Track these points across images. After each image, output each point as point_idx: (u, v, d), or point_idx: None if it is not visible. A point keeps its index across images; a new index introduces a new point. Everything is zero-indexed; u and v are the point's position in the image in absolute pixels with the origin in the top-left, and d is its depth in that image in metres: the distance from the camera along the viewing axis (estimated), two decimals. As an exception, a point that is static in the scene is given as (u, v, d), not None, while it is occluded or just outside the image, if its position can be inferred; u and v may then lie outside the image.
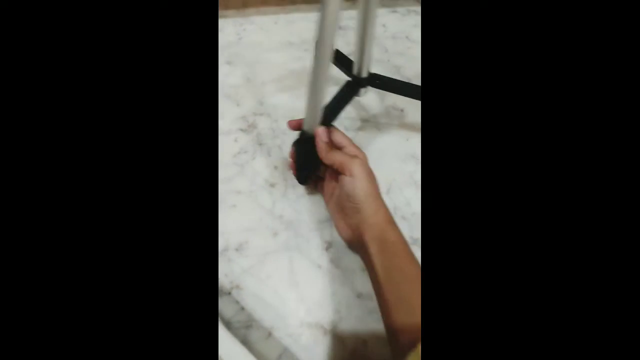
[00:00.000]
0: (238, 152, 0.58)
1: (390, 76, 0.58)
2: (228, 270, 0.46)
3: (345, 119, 0.63)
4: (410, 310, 0.32)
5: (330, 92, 0.62)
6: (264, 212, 0.51)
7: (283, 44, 0.79)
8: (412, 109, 0.64)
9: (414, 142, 0.59)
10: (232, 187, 0.54)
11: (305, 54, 0.76)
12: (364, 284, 0.44)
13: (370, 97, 0.68)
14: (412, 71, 0.71)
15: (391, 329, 0.33)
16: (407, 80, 0.68)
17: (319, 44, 0.35)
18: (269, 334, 0.41)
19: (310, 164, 0.44)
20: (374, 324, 0.42)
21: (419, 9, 0.82)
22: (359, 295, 0.44)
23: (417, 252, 0.37)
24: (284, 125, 0.63)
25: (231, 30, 0.83)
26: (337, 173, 0.42)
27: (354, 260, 0.46)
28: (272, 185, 0.54)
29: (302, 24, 0.85)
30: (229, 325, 0.42)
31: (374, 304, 0.43)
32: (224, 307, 0.43)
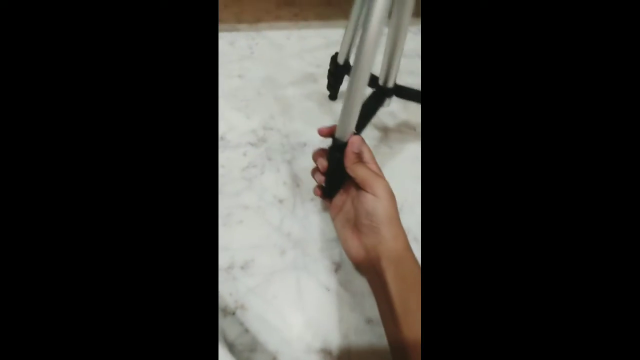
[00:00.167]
0: (247, 166, 0.57)
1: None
2: (233, 289, 0.44)
3: (357, 136, 0.62)
4: None
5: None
6: (272, 229, 0.50)
7: (295, 59, 0.79)
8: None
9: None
10: (239, 202, 0.53)
11: (317, 70, 0.76)
12: (374, 309, 0.42)
13: (382, 115, 0.67)
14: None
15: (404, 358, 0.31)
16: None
17: (360, 53, 0.35)
18: (274, 359, 0.39)
19: (343, 174, 0.41)
20: (385, 352, 0.40)
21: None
22: (369, 321, 0.42)
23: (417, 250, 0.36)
24: (294, 140, 0.62)
25: (243, 44, 0.83)
26: (355, 187, 0.40)
27: (364, 284, 0.44)
28: (281, 201, 0.53)
29: (314, 40, 0.85)
30: (232, 348, 0.40)
31: (384, 331, 0.41)
32: (228, 327, 0.41)
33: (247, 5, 0.96)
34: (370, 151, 0.41)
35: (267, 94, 0.71)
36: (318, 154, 0.44)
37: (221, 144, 0.61)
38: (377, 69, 0.54)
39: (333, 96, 0.68)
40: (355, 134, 0.41)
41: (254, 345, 0.40)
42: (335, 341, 0.40)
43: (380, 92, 0.56)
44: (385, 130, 0.64)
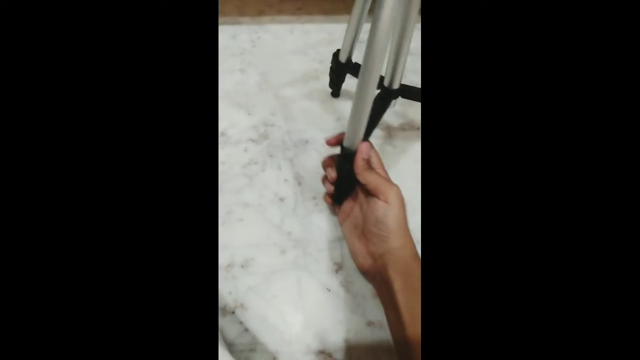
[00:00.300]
0: (247, 163, 0.57)
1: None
2: (232, 288, 0.44)
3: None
4: None
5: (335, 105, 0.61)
6: (272, 227, 0.49)
7: (298, 54, 0.78)
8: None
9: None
10: (239, 200, 0.52)
11: (320, 65, 0.75)
12: (375, 312, 0.42)
13: (387, 115, 0.67)
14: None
15: None
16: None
17: (368, 58, 0.34)
18: (274, 359, 0.39)
19: (352, 182, 0.41)
20: (385, 355, 0.39)
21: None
22: (370, 324, 0.41)
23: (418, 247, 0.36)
24: (296, 137, 0.61)
25: (245, 38, 0.82)
26: (364, 193, 0.40)
27: (365, 286, 0.44)
28: (282, 199, 0.52)
29: (317, 35, 0.84)
30: (231, 347, 0.40)
31: (384, 333, 0.41)
32: (227, 327, 0.41)
33: (250, -3, 0.95)
34: (377, 155, 0.41)
35: (268, 89, 0.70)
36: (327, 163, 0.43)
37: (222, 140, 0.60)
38: (382, 69, 0.53)
39: (335, 93, 0.68)
40: (363, 140, 0.41)
41: (254, 345, 0.40)
42: (335, 343, 0.40)
43: (386, 93, 0.55)
44: (388, 129, 0.63)
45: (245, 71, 0.73)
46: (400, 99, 0.58)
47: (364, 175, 0.39)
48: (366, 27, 0.83)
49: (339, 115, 0.65)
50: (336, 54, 0.61)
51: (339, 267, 0.46)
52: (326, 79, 0.68)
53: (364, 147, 0.39)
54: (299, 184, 0.54)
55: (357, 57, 0.75)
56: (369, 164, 0.40)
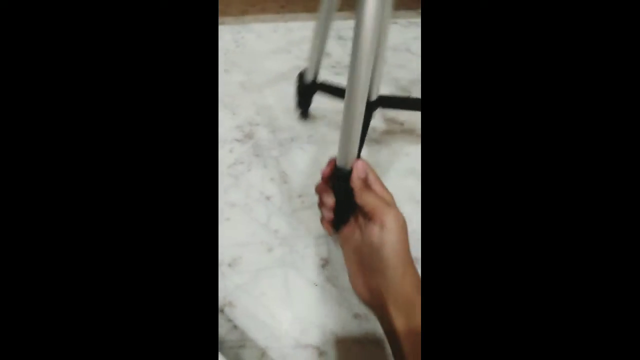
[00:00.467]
0: (233, 163, 0.57)
1: (390, 87, 0.57)
2: (221, 286, 0.44)
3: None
4: None
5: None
6: (259, 226, 0.50)
7: (282, 53, 0.78)
8: (413, 120, 0.64)
9: (414, 157, 0.58)
10: (226, 199, 0.52)
11: (304, 63, 0.76)
12: (361, 305, 0.43)
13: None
14: (411, 83, 0.70)
15: None
16: (406, 92, 0.68)
17: (354, 68, 0.31)
18: (263, 354, 0.40)
19: (352, 203, 0.36)
20: (371, 346, 0.40)
21: (420, 20, 0.82)
22: (356, 316, 0.42)
23: (418, 269, 0.36)
24: (281, 136, 0.61)
25: (229, 38, 0.82)
26: (364, 217, 0.35)
27: (351, 279, 0.45)
28: (268, 198, 0.53)
29: (301, 33, 0.84)
30: (221, 345, 0.41)
31: (371, 325, 0.42)
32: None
33: (233, -3, 0.95)
34: (374, 172, 0.37)
35: (253, 89, 0.70)
36: (321, 188, 0.39)
37: (207, 140, 0.60)
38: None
39: (304, 114, 0.64)
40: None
41: (243, 342, 0.41)
42: (323, 336, 0.41)
43: (367, 107, 0.54)
44: (372, 125, 0.64)
45: (229, 71, 0.74)
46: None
47: (361, 196, 0.35)
48: (347, 23, 0.83)
49: (323, 113, 0.66)
50: (301, 74, 0.58)
51: (325, 262, 0.46)
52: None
53: (359, 165, 0.35)
54: (285, 182, 0.55)
55: (338, 54, 0.75)
56: (366, 183, 0.36)
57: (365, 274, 0.34)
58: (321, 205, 0.39)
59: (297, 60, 0.77)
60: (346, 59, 0.72)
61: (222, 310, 0.43)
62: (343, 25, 0.82)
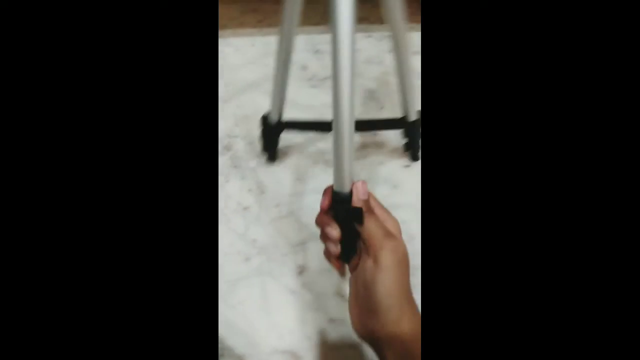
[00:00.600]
0: (212, 175, 0.58)
1: (365, 103, 0.59)
2: (199, 297, 0.45)
3: (318, 145, 0.64)
4: None
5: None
6: (236, 236, 0.51)
7: (259, 66, 0.80)
8: (385, 133, 0.66)
9: (389, 166, 0.60)
10: (205, 211, 0.53)
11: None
12: (337, 309, 0.44)
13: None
14: (385, 95, 0.73)
15: None
16: (380, 104, 0.70)
17: (338, 85, 0.30)
18: (240, 363, 0.41)
19: (356, 230, 0.32)
20: (347, 350, 0.42)
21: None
22: (332, 321, 0.44)
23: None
24: (258, 147, 0.63)
25: (208, 51, 0.83)
26: (363, 245, 0.31)
27: (327, 285, 0.46)
28: (246, 208, 0.54)
29: (278, 47, 0.86)
30: (198, 355, 0.41)
31: (346, 329, 0.43)
32: (194, 335, 0.42)
33: (211, 11, 0.96)
34: (374, 196, 0.35)
35: (231, 101, 0.71)
36: (323, 220, 0.33)
37: (186, 152, 0.61)
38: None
39: (271, 157, 0.59)
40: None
41: (222, 351, 0.41)
42: (299, 342, 0.42)
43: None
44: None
45: (208, 84, 0.75)
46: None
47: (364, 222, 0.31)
48: (323, 37, 0.85)
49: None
50: (265, 117, 0.54)
51: (302, 269, 0.48)
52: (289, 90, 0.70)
53: (359, 186, 0.32)
54: (262, 192, 0.56)
55: (314, 68, 0.77)
56: (367, 206, 0.32)
57: (362, 312, 0.30)
58: (325, 239, 0.34)
59: (275, 73, 0.79)
60: (322, 72, 0.74)
61: (200, 320, 0.43)
62: (319, 40, 0.84)
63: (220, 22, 0.94)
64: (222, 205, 0.54)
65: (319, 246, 0.53)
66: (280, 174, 0.58)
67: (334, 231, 0.32)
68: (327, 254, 0.34)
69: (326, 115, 0.68)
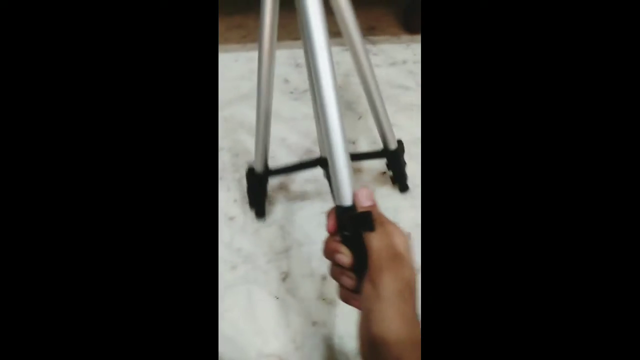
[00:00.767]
0: (198, 187, 0.60)
1: (344, 112, 0.62)
2: (186, 306, 0.47)
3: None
4: None
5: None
6: (223, 245, 0.53)
7: (243, 81, 0.83)
8: (363, 141, 0.69)
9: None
10: (191, 222, 0.55)
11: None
12: (319, 312, 0.46)
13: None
14: (363, 107, 0.76)
15: None
16: (358, 115, 0.73)
17: (320, 87, 0.29)
18: (227, 368, 0.42)
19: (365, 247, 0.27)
20: (328, 351, 0.44)
21: (369, 47, 0.88)
22: (314, 323, 0.46)
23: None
24: (243, 159, 0.65)
25: (193, 67, 0.86)
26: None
27: (310, 290, 0.48)
28: (231, 218, 0.56)
29: (262, 61, 0.89)
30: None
31: (328, 331, 0.45)
32: (182, 343, 0.44)
33: (196, 28, 0.99)
34: (377, 205, 0.30)
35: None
36: (332, 247, 0.28)
37: (172, 167, 0.63)
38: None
39: (260, 213, 0.55)
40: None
41: (209, 357, 0.43)
42: (284, 345, 0.44)
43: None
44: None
45: (193, 100, 0.77)
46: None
47: (367, 236, 0.26)
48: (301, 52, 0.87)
49: (283, 136, 0.70)
50: (251, 169, 0.51)
51: (285, 276, 0.50)
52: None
53: (363, 193, 0.28)
54: (247, 202, 0.58)
55: (295, 81, 0.80)
56: (374, 215, 0.28)
57: (363, 343, 0.25)
58: (337, 274, 0.28)
59: (258, 87, 0.82)
60: (303, 85, 0.77)
61: (188, 328, 0.45)
62: (300, 54, 0.87)
63: (205, 38, 0.97)
64: (208, 216, 0.56)
65: (302, 253, 0.55)
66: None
67: (345, 257, 0.27)
68: (344, 294, 0.28)
69: (307, 125, 0.71)
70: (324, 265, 0.51)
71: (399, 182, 0.57)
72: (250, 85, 0.83)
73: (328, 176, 0.41)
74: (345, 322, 0.45)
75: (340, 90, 0.78)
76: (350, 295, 0.28)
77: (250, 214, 0.57)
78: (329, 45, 0.30)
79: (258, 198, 0.54)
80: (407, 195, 0.57)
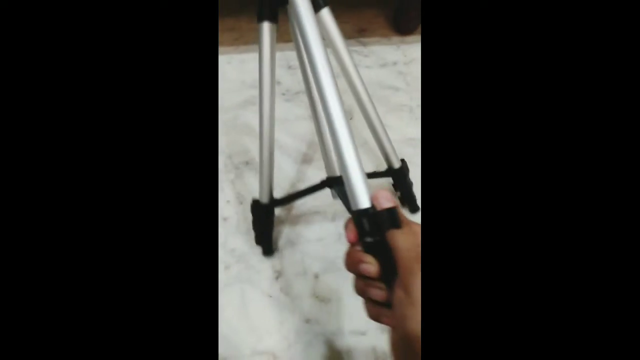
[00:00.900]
0: (192, 189, 0.61)
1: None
2: (181, 306, 0.47)
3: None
4: None
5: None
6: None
7: (236, 83, 0.84)
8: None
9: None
10: (185, 224, 0.56)
11: (257, 92, 0.81)
12: (312, 310, 0.47)
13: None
14: (351, 107, 0.77)
15: None
16: (350, 115, 0.74)
17: (321, 87, 0.29)
18: (222, 365, 0.43)
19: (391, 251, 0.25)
20: (322, 348, 0.44)
21: (359, 48, 0.89)
22: (307, 321, 0.46)
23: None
24: (237, 160, 0.66)
25: (186, 70, 0.86)
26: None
27: (303, 288, 0.49)
28: (225, 219, 0.57)
29: (254, 64, 0.90)
30: None
31: (321, 328, 0.46)
32: (177, 342, 0.45)
33: (188, 31, 0.99)
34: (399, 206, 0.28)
35: (210, 118, 0.74)
36: (356, 257, 0.25)
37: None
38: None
39: (268, 250, 0.52)
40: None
41: (204, 356, 0.44)
42: (277, 342, 0.45)
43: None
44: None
45: (186, 102, 0.78)
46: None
47: (392, 235, 0.24)
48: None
49: (275, 137, 0.71)
50: (256, 201, 0.49)
51: (278, 274, 0.50)
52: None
53: (382, 194, 0.26)
54: (241, 203, 0.59)
55: (288, 84, 0.81)
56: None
57: (399, 355, 0.23)
58: (364, 287, 0.25)
59: (251, 88, 0.83)
60: (295, 87, 0.78)
61: (183, 328, 0.46)
62: (292, 56, 0.88)
63: (197, 41, 0.97)
64: (202, 217, 0.57)
65: (294, 252, 0.56)
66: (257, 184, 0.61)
67: (371, 267, 0.24)
68: (374, 310, 0.25)
69: (299, 126, 0.71)
70: (316, 263, 0.52)
71: (408, 202, 0.54)
72: (243, 86, 0.83)
73: (340, 193, 0.37)
74: (338, 319, 0.46)
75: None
76: (380, 311, 0.25)
77: (244, 215, 0.57)
78: (331, 70, 0.29)
79: (265, 230, 0.51)
80: (418, 215, 0.55)
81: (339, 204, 0.46)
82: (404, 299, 0.22)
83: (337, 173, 0.44)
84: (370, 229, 0.25)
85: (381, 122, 0.46)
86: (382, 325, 0.24)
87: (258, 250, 0.53)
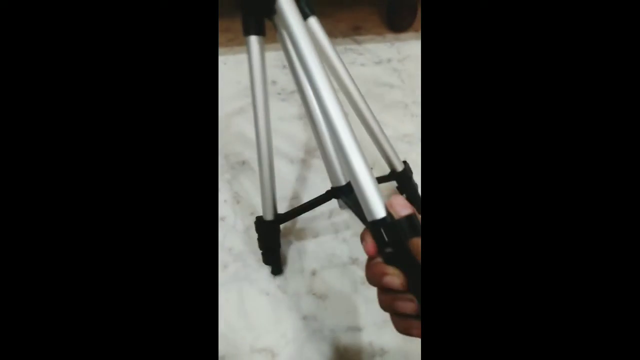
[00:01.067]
0: (188, 189, 0.61)
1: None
2: (179, 305, 0.48)
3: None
4: None
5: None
6: (214, 245, 0.54)
7: (231, 84, 0.84)
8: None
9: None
10: (182, 224, 0.56)
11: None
12: (309, 307, 0.47)
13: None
14: (345, 105, 0.77)
15: None
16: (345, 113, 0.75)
17: (318, 91, 0.29)
18: (221, 363, 0.43)
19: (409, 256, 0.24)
20: (318, 344, 0.45)
21: (354, 46, 0.90)
22: (304, 318, 0.47)
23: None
24: (233, 160, 0.66)
25: (181, 72, 0.87)
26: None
27: (300, 285, 0.49)
28: (222, 218, 0.57)
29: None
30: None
31: (318, 324, 0.46)
32: (176, 341, 0.45)
33: (184, 33, 1.00)
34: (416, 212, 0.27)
35: (206, 119, 0.75)
36: (376, 269, 0.24)
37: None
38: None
39: (277, 270, 0.51)
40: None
41: (202, 354, 0.44)
42: (275, 340, 0.45)
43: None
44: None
45: (182, 103, 0.78)
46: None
47: (414, 245, 0.23)
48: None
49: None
50: (260, 219, 0.47)
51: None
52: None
53: (398, 201, 0.25)
54: (238, 202, 0.59)
55: (282, 82, 0.81)
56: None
57: None
58: (390, 301, 0.24)
59: (246, 90, 0.83)
60: (290, 86, 0.78)
61: (181, 327, 0.46)
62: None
63: (193, 42, 0.98)
64: (199, 217, 0.57)
65: (291, 250, 0.56)
66: (254, 185, 0.62)
67: (396, 278, 0.23)
68: (403, 324, 0.24)
69: (295, 126, 0.72)
70: (313, 261, 0.52)
71: (415, 205, 0.55)
72: (238, 87, 0.84)
73: (350, 203, 0.38)
74: (335, 315, 0.47)
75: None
76: (411, 323, 0.23)
77: (241, 213, 0.58)
78: (328, 75, 0.29)
79: (272, 250, 0.50)
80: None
81: (334, 201, 0.46)
82: None
83: (342, 182, 0.42)
84: (389, 240, 0.24)
85: (381, 128, 0.46)
86: (379, 321, 0.25)
87: (255, 249, 0.53)
